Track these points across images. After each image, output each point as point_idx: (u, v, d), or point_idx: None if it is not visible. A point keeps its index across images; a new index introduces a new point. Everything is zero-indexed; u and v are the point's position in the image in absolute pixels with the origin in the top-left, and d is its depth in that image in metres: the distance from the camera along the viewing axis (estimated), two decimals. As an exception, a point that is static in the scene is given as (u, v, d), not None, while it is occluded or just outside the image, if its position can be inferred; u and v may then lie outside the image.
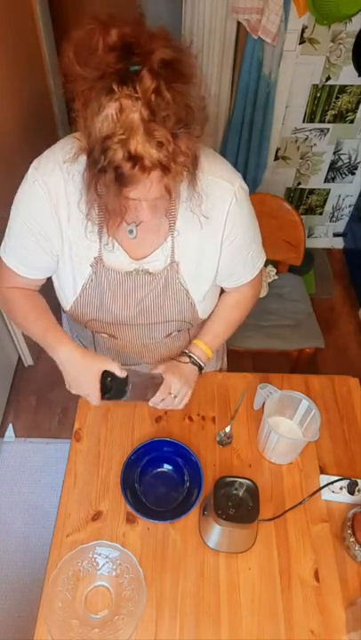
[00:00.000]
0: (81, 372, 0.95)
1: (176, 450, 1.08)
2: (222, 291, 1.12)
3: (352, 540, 0.96)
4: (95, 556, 0.96)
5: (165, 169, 0.68)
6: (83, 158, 0.74)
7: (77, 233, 0.91)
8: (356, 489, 1.05)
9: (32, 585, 1.69)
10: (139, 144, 0.64)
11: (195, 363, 1.10)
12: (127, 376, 0.97)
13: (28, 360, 2.33)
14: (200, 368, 1.11)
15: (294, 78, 2.22)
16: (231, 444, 1.14)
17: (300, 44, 2.12)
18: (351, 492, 1.04)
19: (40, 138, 2.26)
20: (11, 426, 2.12)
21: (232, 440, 1.14)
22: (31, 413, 2.18)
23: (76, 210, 0.88)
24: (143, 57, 0.63)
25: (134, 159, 0.65)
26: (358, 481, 1.05)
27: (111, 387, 0.97)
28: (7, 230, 0.97)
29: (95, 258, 0.94)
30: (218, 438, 1.14)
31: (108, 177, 0.68)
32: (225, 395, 1.23)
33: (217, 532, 0.95)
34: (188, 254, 0.96)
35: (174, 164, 0.68)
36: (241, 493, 0.94)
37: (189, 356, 1.10)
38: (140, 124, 0.63)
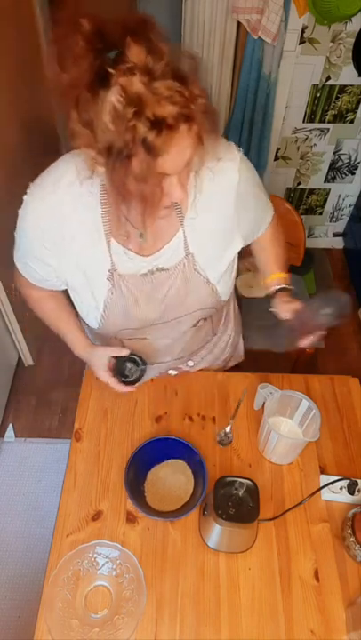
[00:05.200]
0: (94, 367, 1.09)
1: (181, 449, 1.08)
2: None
3: (352, 539, 0.96)
4: (95, 555, 0.96)
5: (189, 118, 0.67)
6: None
7: (86, 250, 0.92)
8: (356, 489, 1.05)
9: (32, 585, 1.69)
10: (154, 108, 0.63)
11: (287, 289, 1.10)
12: (138, 356, 1.05)
13: (28, 360, 2.33)
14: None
15: (294, 78, 2.22)
16: (231, 443, 1.14)
17: (300, 44, 2.12)
18: (351, 492, 1.04)
19: (41, 141, 2.27)
20: (11, 426, 2.12)
21: (232, 440, 1.14)
22: (31, 413, 2.19)
23: (82, 228, 0.89)
24: (118, 30, 0.63)
25: (157, 124, 0.64)
26: (358, 481, 1.05)
27: (122, 370, 1.05)
28: (16, 248, 0.99)
29: (110, 270, 0.94)
30: (218, 438, 1.14)
31: (138, 158, 0.67)
32: (225, 395, 1.23)
33: (217, 532, 0.95)
34: (202, 242, 0.96)
35: (194, 106, 0.67)
36: (241, 493, 0.94)
37: (285, 289, 1.10)
38: (145, 90, 0.63)
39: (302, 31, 2.08)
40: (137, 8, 3.37)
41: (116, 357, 1.05)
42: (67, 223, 0.89)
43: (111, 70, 0.62)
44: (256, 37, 2.03)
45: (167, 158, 0.68)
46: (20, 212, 0.92)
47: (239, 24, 2.07)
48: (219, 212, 0.95)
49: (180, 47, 0.68)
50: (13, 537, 1.81)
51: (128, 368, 1.04)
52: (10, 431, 2.10)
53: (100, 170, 0.73)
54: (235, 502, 0.93)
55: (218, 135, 0.80)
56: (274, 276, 1.12)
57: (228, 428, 1.15)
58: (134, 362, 1.04)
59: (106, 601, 0.92)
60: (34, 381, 2.30)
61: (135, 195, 0.73)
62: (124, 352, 1.04)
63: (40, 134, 2.28)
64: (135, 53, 0.62)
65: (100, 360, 1.07)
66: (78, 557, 0.95)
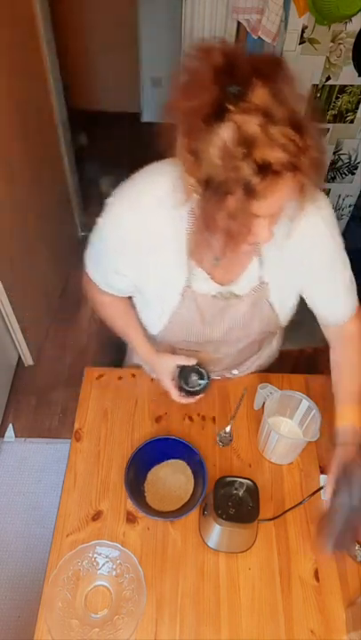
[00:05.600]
0: (158, 374, 1.11)
1: (181, 449, 1.08)
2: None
3: (352, 539, 0.96)
4: (95, 555, 0.96)
5: (296, 168, 0.65)
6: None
7: (165, 264, 0.92)
8: (357, 489, 1.04)
9: (32, 585, 1.69)
10: (264, 153, 0.62)
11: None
12: (203, 369, 1.05)
13: (28, 360, 2.33)
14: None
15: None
16: (231, 443, 1.14)
17: (300, 44, 2.12)
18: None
19: (39, 138, 2.27)
20: (11, 426, 2.12)
21: (232, 440, 1.14)
22: (31, 413, 2.18)
23: (164, 243, 0.89)
24: (247, 68, 0.63)
25: (263, 169, 0.63)
26: (358, 481, 1.05)
27: (186, 380, 1.04)
28: (91, 251, 0.99)
29: (184, 286, 0.94)
30: (218, 438, 1.14)
31: (235, 198, 0.66)
32: (225, 395, 1.23)
33: (217, 532, 0.95)
34: (276, 273, 0.95)
35: (304, 157, 0.65)
36: (241, 493, 0.94)
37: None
38: (260, 132, 0.62)
39: (302, 31, 2.08)
40: (137, 8, 3.38)
41: (181, 367, 1.05)
42: (150, 236, 0.88)
43: (231, 107, 0.62)
44: (256, 37, 2.03)
45: (263, 203, 0.68)
46: (101, 219, 0.91)
47: (239, 24, 2.07)
48: (295, 256, 0.92)
49: (305, 94, 0.66)
50: (13, 537, 1.81)
51: (192, 379, 1.04)
52: (10, 431, 2.10)
53: (195, 196, 0.74)
54: (235, 502, 0.93)
55: (319, 187, 0.77)
56: (342, 419, 0.97)
57: (228, 428, 1.15)
58: (199, 374, 1.04)
59: (106, 601, 0.92)
60: (34, 381, 2.30)
61: (222, 229, 0.72)
62: (191, 361, 1.04)
63: (40, 134, 2.28)
64: (258, 95, 0.62)
65: (165, 367, 1.07)
66: (78, 557, 0.95)
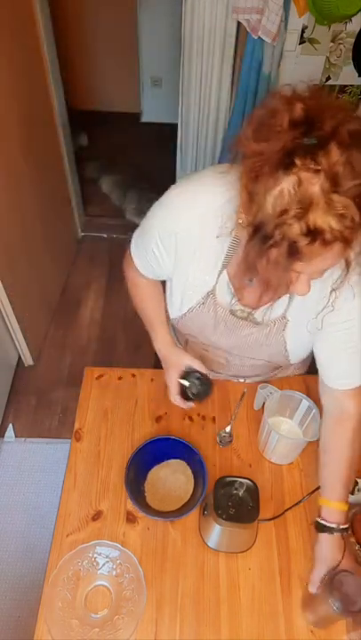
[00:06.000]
0: (168, 365, 1.09)
1: (181, 449, 1.08)
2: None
3: (352, 539, 0.96)
4: (95, 555, 0.96)
5: (347, 241, 0.63)
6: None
7: (199, 269, 0.93)
8: (356, 488, 1.05)
9: (32, 585, 1.69)
10: (318, 218, 0.60)
11: (334, 530, 0.90)
12: (210, 379, 1.05)
13: (28, 360, 2.33)
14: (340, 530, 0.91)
15: (294, 78, 2.20)
16: (231, 443, 1.14)
17: (300, 44, 2.12)
18: (351, 492, 1.04)
19: (39, 138, 2.27)
20: (11, 426, 2.12)
21: (232, 440, 1.14)
22: (31, 413, 2.18)
23: (204, 251, 0.90)
24: (327, 129, 0.60)
25: (313, 234, 0.61)
26: (358, 480, 1.05)
27: (188, 381, 1.04)
28: (139, 231, 1.01)
29: (208, 292, 0.95)
30: (218, 438, 1.14)
31: (279, 251, 0.65)
32: (225, 395, 1.23)
33: (217, 532, 0.95)
34: (300, 316, 0.94)
35: (359, 233, 0.63)
36: (241, 493, 0.94)
37: (329, 529, 0.90)
38: (321, 196, 0.60)
39: (302, 31, 2.08)
40: (137, 9, 3.38)
41: (189, 370, 1.05)
42: (196, 238, 0.89)
43: (298, 162, 0.60)
44: (256, 37, 2.03)
45: (306, 264, 0.67)
46: (157, 205, 0.93)
47: (239, 24, 2.07)
48: (320, 305, 0.90)
49: None
50: (13, 537, 1.81)
51: (195, 383, 1.04)
52: (10, 431, 2.10)
53: (242, 233, 0.74)
54: (235, 502, 0.93)
55: None
56: (328, 504, 0.93)
57: (228, 428, 1.15)
58: (204, 382, 1.04)
59: (106, 601, 0.92)
60: (34, 381, 2.30)
61: (261, 275, 0.71)
62: (198, 366, 1.04)
63: (40, 134, 2.28)
64: (331, 158, 0.59)
65: (177, 362, 1.07)
66: (78, 557, 0.95)
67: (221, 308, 0.97)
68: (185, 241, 0.90)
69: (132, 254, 1.06)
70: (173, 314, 1.05)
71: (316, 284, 0.79)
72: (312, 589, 0.89)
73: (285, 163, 0.60)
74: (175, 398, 1.08)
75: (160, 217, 0.93)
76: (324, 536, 0.90)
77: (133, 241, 1.05)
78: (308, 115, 0.62)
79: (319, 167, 0.59)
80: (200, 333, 1.05)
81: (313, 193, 0.60)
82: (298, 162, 0.60)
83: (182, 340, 1.20)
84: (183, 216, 0.88)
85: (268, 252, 0.66)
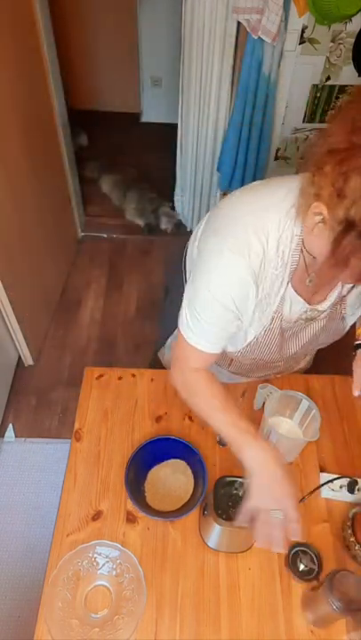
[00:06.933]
0: (272, 481, 0.85)
1: (181, 449, 1.08)
2: None
3: (352, 539, 0.96)
4: (95, 555, 0.96)
5: None
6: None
7: (263, 298, 0.90)
8: (356, 488, 1.05)
9: (32, 585, 1.69)
10: None
11: None
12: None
13: (28, 360, 2.33)
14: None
15: (294, 78, 2.22)
16: (231, 443, 1.14)
17: (300, 44, 2.12)
18: (351, 491, 1.04)
19: (39, 138, 2.27)
20: (11, 426, 2.12)
21: (232, 440, 1.14)
22: (31, 413, 2.18)
23: (268, 279, 0.86)
24: None
25: None
26: (358, 480, 1.05)
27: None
28: (190, 306, 0.91)
29: (274, 312, 0.92)
30: (218, 438, 1.14)
31: None
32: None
33: (217, 532, 0.95)
34: (355, 289, 0.94)
35: None
36: (241, 493, 0.94)
37: None
38: None
39: (302, 31, 2.08)
40: (137, 8, 3.38)
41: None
42: (263, 272, 0.85)
43: None
44: (256, 37, 2.03)
45: None
46: (208, 277, 0.86)
47: (239, 24, 2.07)
48: None
49: None
50: (13, 537, 1.81)
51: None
52: (10, 431, 2.10)
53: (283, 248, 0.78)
54: (235, 502, 0.93)
55: None
56: None
57: (228, 428, 1.15)
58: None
59: (106, 601, 0.92)
60: (34, 381, 2.30)
61: (353, 269, 0.71)
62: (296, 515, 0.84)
63: (40, 134, 2.27)
64: None
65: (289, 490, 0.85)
66: (78, 557, 0.95)
67: (286, 321, 0.94)
68: (254, 284, 0.85)
69: (194, 343, 0.92)
70: (234, 348, 1.00)
71: None
72: (355, 393, 0.95)
73: None
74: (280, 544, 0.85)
75: (219, 285, 0.86)
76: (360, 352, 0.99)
77: (186, 330, 0.92)
78: None
79: None
80: (262, 352, 1.00)
81: None
82: None
83: (226, 360, 1.14)
84: (244, 269, 0.83)
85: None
